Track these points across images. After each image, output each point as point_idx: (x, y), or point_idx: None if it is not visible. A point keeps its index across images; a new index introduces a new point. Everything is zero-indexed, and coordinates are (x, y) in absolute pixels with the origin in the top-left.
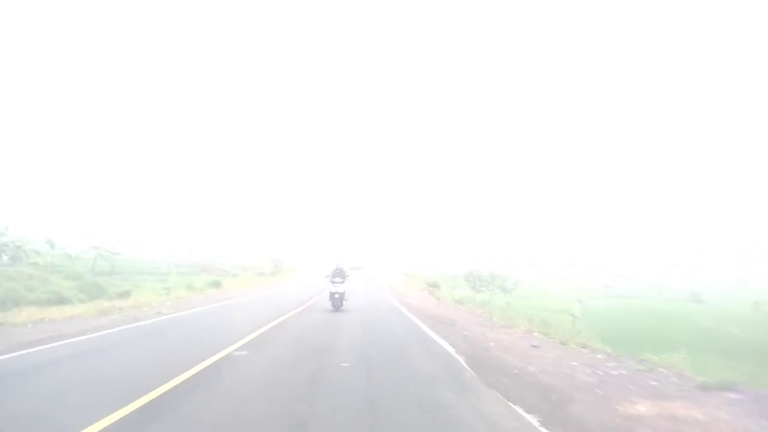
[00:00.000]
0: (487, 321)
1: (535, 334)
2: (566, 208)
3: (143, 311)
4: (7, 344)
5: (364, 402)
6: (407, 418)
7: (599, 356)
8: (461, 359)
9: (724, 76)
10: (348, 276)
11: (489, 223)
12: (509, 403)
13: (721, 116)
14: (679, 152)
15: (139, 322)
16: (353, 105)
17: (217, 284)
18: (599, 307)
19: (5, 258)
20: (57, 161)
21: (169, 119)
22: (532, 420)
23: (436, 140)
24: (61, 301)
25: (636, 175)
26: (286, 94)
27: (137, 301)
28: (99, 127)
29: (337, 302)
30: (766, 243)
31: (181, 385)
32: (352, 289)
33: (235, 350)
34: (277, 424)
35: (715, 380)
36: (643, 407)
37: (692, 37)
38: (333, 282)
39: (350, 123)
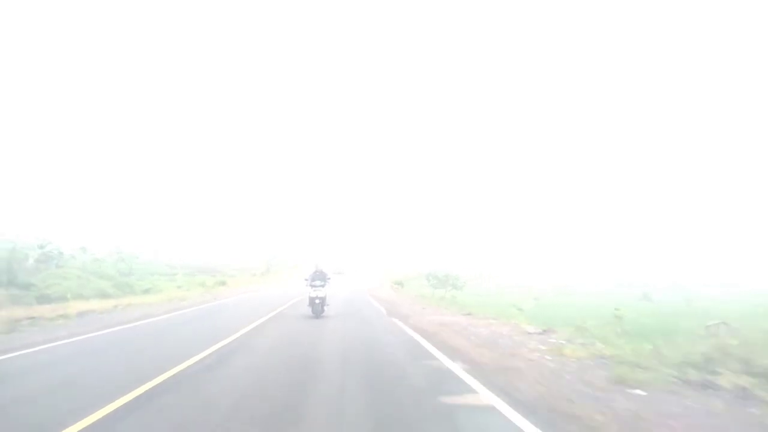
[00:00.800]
0: (414, 302)
1: (432, 306)
2: (543, 213)
3: (199, 299)
4: (153, 311)
5: (342, 321)
6: (356, 324)
7: (446, 310)
8: (384, 311)
9: (695, 79)
10: (329, 279)
11: (465, 226)
12: (393, 318)
13: (698, 116)
14: (649, 151)
15: (208, 304)
16: (339, 113)
17: (223, 282)
18: (552, 302)
19: (32, 261)
20: (47, 166)
21: (157, 124)
22: (397, 321)
23: (415, 145)
24: (105, 295)
25: (613, 175)
26: (276, 101)
27: (175, 295)
28: (95, 134)
29: (317, 308)
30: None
31: (274, 315)
32: (333, 293)
33: (282, 310)
34: (306, 326)
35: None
36: (433, 317)
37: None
38: (313, 286)
39: (334, 131)
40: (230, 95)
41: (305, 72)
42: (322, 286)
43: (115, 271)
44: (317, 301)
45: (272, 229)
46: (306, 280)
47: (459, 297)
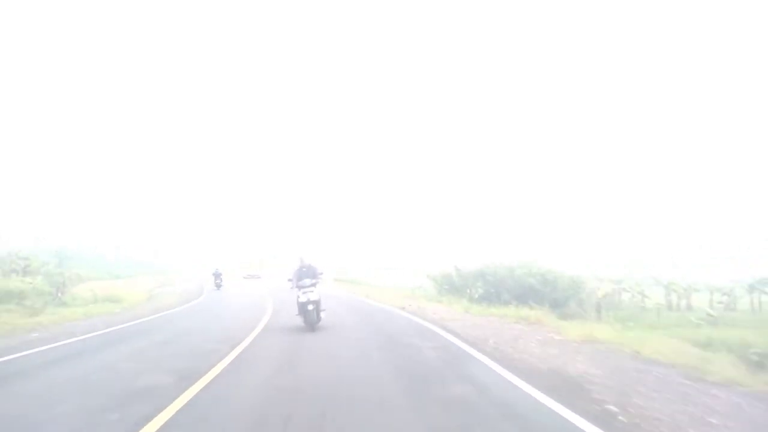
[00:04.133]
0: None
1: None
2: (544, 214)
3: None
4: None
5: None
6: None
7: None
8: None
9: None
10: (321, 274)
11: (465, 228)
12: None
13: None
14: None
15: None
16: (325, 108)
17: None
18: None
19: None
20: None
21: (144, 125)
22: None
23: (408, 143)
24: (119, 277)
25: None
26: (268, 92)
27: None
28: (92, 134)
29: (311, 316)
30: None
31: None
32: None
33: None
34: None
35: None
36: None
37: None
38: (301, 287)
39: (318, 127)
40: (219, 92)
41: (290, 64)
42: (313, 285)
43: (116, 262)
44: (310, 307)
45: (260, 229)
46: (290, 280)
47: None
